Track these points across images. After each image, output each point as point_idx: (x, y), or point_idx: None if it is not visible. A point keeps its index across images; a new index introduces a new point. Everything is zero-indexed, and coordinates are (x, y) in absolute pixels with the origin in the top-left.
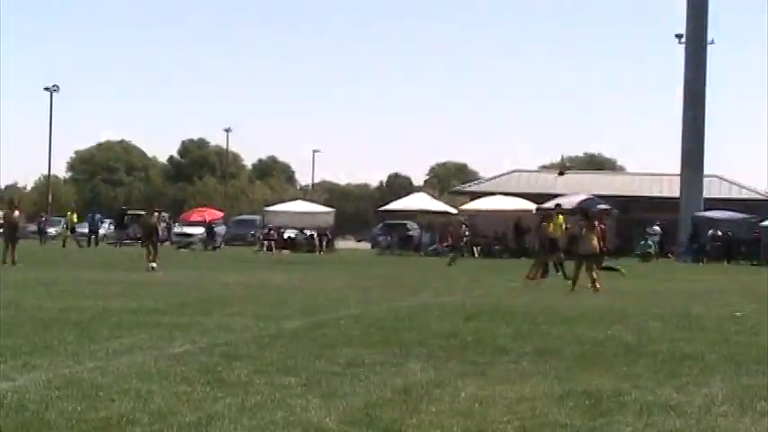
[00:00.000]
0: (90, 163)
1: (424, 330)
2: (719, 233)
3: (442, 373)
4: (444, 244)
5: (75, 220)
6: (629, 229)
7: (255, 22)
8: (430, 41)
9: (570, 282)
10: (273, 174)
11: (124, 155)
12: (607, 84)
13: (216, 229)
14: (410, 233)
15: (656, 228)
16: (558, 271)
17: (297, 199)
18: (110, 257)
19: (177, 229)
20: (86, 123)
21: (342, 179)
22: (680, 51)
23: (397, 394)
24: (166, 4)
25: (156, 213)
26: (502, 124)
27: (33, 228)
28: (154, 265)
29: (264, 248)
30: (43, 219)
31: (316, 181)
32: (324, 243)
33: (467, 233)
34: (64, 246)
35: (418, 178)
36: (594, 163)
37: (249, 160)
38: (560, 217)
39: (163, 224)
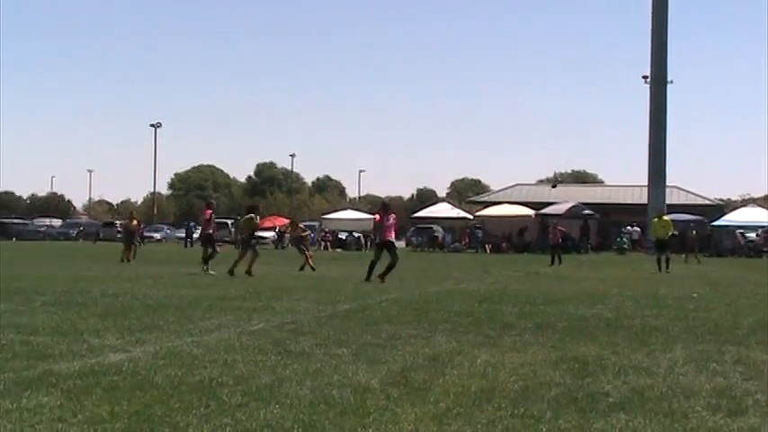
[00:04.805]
0: (186, 182)
1: (447, 310)
2: (676, 232)
3: (462, 343)
4: (463, 243)
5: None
6: (608, 229)
7: (310, 69)
8: (453, 83)
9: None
10: (328, 189)
11: (212, 175)
12: (590, 114)
13: (284, 233)
14: (436, 234)
15: (632, 228)
16: (660, 268)
17: (347, 208)
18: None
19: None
20: (182, 151)
21: (382, 192)
22: (646, 89)
23: (427, 361)
24: (240, 59)
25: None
26: (507, 147)
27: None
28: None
29: (322, 248)
30: (142, 226)
31: (361, 194)
32: (369, 243)
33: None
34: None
35: (441, 191)
36: (580, 177)
37: (309, 178)
38: (666, 219)
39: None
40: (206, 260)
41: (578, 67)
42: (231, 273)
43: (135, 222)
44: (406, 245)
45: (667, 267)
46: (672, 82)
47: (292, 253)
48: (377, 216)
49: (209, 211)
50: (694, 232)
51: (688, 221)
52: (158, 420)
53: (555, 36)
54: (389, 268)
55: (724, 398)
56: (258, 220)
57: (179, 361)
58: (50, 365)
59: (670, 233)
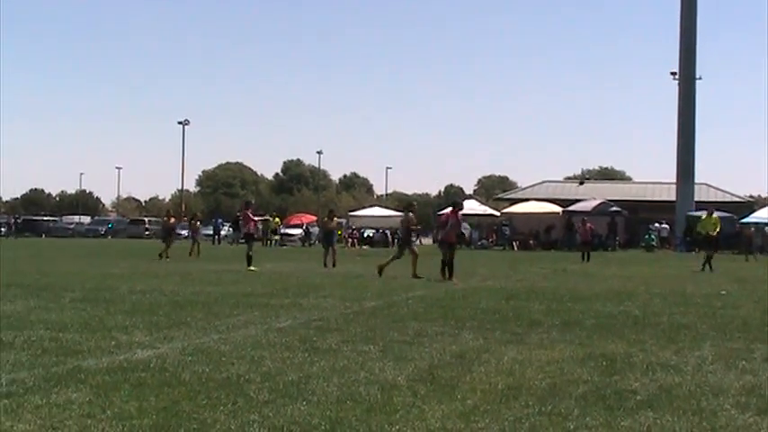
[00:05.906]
0: (213, 179)
1: (474, 308)
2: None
3: (489, 341)
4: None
5: (279, 221)
6: (636, 226)
7: (338, 67)
8: (481, 80)
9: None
10: (355, 186)
11: (239, 173)
12: (618, 111)
13: (311, 230)
14: (463, 231)
15: (661, 225)
16: (710, 265)
17: (374, 206)
18: (228, 253)
19: (281, 230)
20: (210, 148)
21: (409, 189)
22: (674, 85)
23: (454, 358)
24: (268, 57)
25: (336, 219)
26: (535, 144)
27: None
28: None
29: (349, 245)
30: (198, 224)
31: (388, 191)
32: (396, 240)
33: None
34: (267, 245)
35: (469, 188)
36: (608, 174)
37: (336, 176)
38: (713, 217)
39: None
40: (250, 259)
41: (606, 63)
42: (380, 272)
43: (173, 220)
44: (433, 242)
45: (703, 266)
46: (700, 78)
47: (321, 249)
48: (448, 212)
49: (250, 211)
50: (752, 229)
51: (735, 219)
52: (186, 417)
53: (583, 33)
54: (451, 266)
55: (753, 396)
56: (414, 219)
57: (206, 358)
58: (79, 362)
59: (717, 230)
